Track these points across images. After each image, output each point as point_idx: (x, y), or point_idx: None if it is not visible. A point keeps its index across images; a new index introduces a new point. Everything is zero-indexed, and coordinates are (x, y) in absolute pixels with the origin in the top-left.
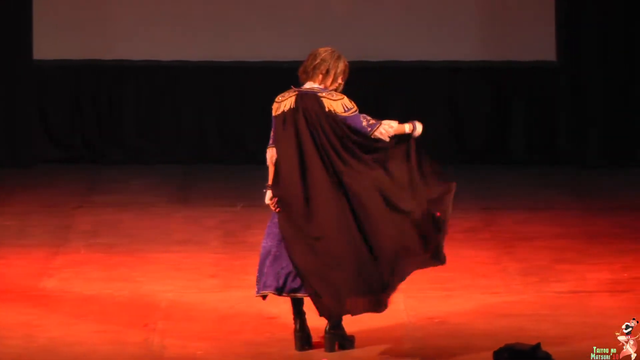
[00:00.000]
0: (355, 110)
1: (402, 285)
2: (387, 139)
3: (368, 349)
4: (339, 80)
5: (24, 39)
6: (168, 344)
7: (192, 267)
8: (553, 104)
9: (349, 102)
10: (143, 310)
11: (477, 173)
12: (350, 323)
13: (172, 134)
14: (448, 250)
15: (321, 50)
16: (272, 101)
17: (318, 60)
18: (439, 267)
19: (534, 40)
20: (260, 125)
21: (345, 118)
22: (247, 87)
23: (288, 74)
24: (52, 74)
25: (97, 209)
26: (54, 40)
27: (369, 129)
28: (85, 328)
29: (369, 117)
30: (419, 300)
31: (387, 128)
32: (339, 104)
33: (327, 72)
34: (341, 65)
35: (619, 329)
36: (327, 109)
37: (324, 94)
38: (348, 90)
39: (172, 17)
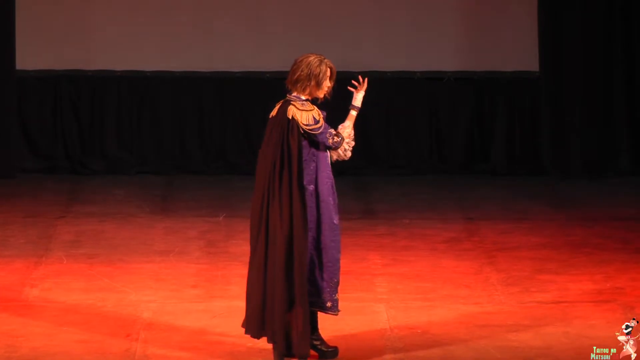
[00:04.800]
0: (321, 126)
1: (384, 296)
2: (347, 158)
3: (349, 359)
4: (327, 85)
5: (7, 49)
6: (150, 354)
7: (174, 277)
8: (535, 114)
9: (317, 115)
10: (125, 321)
11: (458, 183)
12: (332, 332)
13: (153, 145)
14: (430, 260)
15: (302, 59)
16: (253, 111)
17: (298, 73)
18: (422, 277)
19: (516, 51)
20: (242, 136)
21: (312, 133)
22: (229, 98)
23: (270, 84)
24: (33, 84)
25: (79, 219)
26: (36, 51)
27: (333, 147)
28: (67, 338)
29: (333, 133)
30: (401, 311)
31: (347, 147)
32: (304, 115)
33: (309, 81)
34: (324, 69)
35: (601, 339)
36: (290, 116)
37: (296, 102)
38: (330, 100)
39: (154, 28)
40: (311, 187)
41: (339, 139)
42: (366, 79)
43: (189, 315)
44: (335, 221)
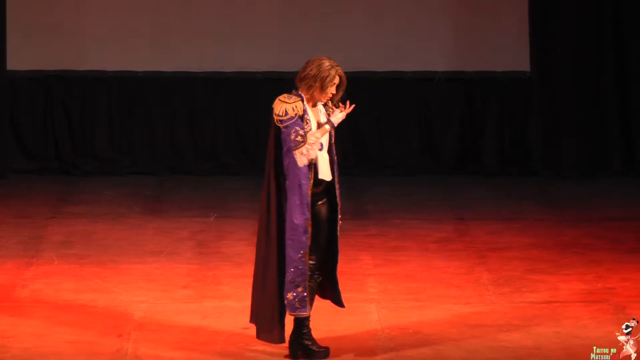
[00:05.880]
0: (289, 119)
1: (376, 296)
2: (300, 164)
3: (341, 359)
4: (331, 91)
5: None
6: (141, 354)
7: (165, 277)
8: (526, 115)
9: (291, 110)
10: (116, 321)
11: (449, 184)
12: (323, 333)
13: (145, 145)
14: (421, 260)
15: (315, 60)
16: (245, 111)
17: (307, 71)
18: (413, 277)
19: (507, 51)
20: (234, 136)
21: (279, 125)
22: (220, 98)
23: (262, 85)
24: (24, 84)
25: (70, 220)
26: (27, 51)
27: (293, 145)
28: (58, 338)
29: (300, 132)
30: (392, 311)
31: (305, 152)
32: (278, 106)
33: (315, 82)
34: (332, 74)
35: (591, 339)
36: (273, 106)
37: (286, 94)
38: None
39: (145, 28)
40: (287, 183)
41: (301, 140)
42: (353, 105)
43: (180, 315)
44: (295, 220)
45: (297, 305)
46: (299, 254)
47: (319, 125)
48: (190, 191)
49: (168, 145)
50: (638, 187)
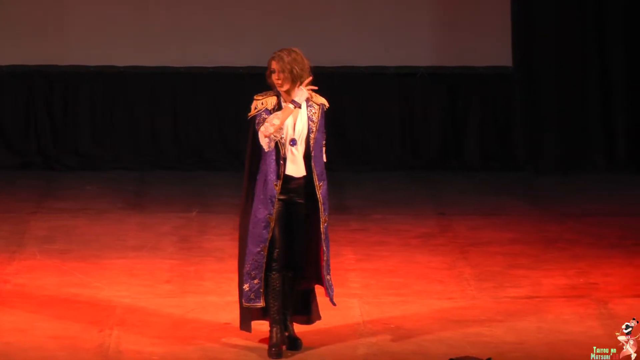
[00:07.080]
0: (255, 114)
1: (358, 291)
2: (262, 142)
3: (322, 354)
4: (275, 78)
5: None
6: (123, 349)
7: (147, 273)
8: (508, 110)
9: (259, 105)
10: (98, 316)
11: (432, 179)
12: (305, 327)
13: (127, 140)
14: (404, 256)
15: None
16: (227, 106)
17: None
18: (395, 272)
19: (490, 46)
20: (216, 132)
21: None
22: (202, 93)
23: (243, 79)
24: (6, 79)
25: (52, 215)
26: (9, 46)
27: (257, 128)
28: (40, 334)
29: (263, 118)
30: (374, 306)
31: (268, 125)
32: (253, 103)
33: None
34: (269, 61)
35: (574, 334)
36: None
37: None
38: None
39: (127, 23)
40: (260, 179)
41: (262, 120)
42: (313, 86)
43: (162, 310)
44: (257, 214)
45: (251, 296)
46: (257, 248)
47: (295, 123)
48: (173, 186)
49: (150, 141)
50: (620, 183)
